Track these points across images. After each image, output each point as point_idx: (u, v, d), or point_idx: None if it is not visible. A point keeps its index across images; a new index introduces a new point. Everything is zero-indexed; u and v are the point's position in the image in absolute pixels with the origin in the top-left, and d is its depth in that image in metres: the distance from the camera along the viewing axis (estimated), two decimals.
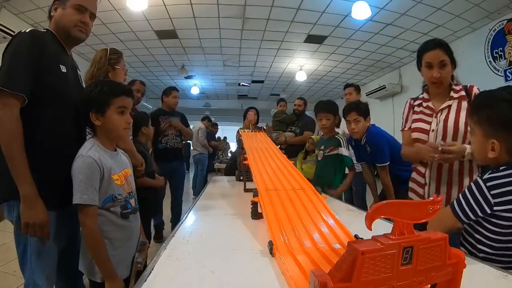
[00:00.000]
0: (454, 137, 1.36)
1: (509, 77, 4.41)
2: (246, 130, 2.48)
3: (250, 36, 5.46)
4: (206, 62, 7.03)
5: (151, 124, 3.10)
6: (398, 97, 7.18)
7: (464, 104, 1.38)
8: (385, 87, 6.98)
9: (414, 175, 1.55)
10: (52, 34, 1.20)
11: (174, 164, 3.19)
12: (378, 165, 2.10)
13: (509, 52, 4.41)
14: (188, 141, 3.64)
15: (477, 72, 4.71)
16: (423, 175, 1.47)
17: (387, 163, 2.08)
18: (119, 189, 1.12)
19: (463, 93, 1.40)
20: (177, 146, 3.21)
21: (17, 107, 1.02)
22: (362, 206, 2.72)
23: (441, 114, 1.42)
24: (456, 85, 1.43)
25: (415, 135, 1.49)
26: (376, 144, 2.10)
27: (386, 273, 0.43)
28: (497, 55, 4.58)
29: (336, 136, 2.31)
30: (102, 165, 1.07)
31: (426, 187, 1.45)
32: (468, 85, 1.43)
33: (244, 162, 1.71)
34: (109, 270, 1.04)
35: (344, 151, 2.20)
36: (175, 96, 3.26)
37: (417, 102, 1.52)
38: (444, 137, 1.38)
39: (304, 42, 5.70)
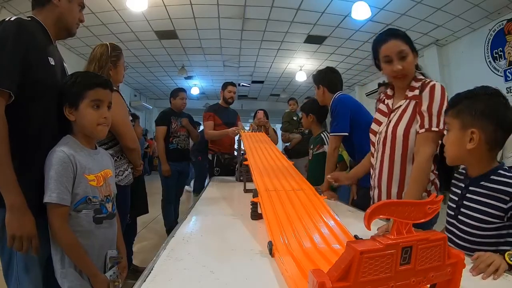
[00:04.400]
0: (393, 144, 1.26)
1: (509, 77, 4.41)
2: (247, 131, 2.49)
3: (250, 36, 5.46)
4: (206, 62, 7.03)
5: (163, 124, 3.16)
6: None
7: (411, 106, 1.23)
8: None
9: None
10: (37, 23, 1.09)
11: (182, 165, 3.28)
12: (330, 134, 1.94)
13: (509, 52, 4.41)
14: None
15: (477, 72, 4.71)
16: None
17: (339, 134, 1.84)
18: (94, 190, 1.03)
19: (417, 92, 1.22)
20: (186, 147, 3.29)
21: (2, 104, 0.92)
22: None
23: (394, 114, 1.28)
24: (417, 80, 1.25)
25: (370, 133, 1.40)
26: (334, 111, 1.90)
27: (385, 273, 0.43)
28: (497, 55, 4.58)
29: (320, 133, 2.37)
30: (76, 162, 0.99)
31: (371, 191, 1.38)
32: (429, 82, 1.21)
33: (244, 162, 1.71)
34: (90, 268, 0.99)
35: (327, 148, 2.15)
36: (182, 97, 3.30)
37: (382, 96, 1.41)
38: (384, 143, 1.29)
39: (304, 42, 5.70)
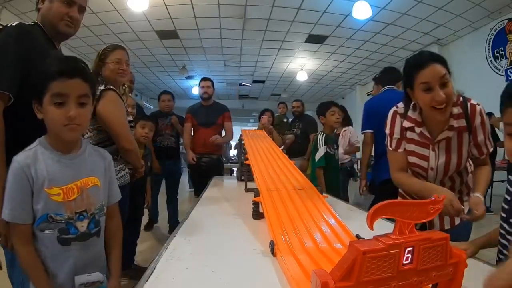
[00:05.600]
0: (451, 177, 1.21)
1: (510, 77, 4.41)
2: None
3: (251, 36, 5.46)
4: (207, 62, 7.04)
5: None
6: None
7: (466, 137, 1.14)
8: None
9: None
10: (40, 28, 1.13)
11: (169, 164, 3.26)
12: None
13: (510, 52, 4.40)
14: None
15: (478, 72, 4.71)
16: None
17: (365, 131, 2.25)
18: (58, 207, 0.85)
19: (463, 122, 1.12)
20: (171, 145, 3.27)
21: (0, 106, 0.92)
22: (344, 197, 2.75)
23: (438, 147, 1.17)
24: (454, 104, 1.12)
25: (413, 167, 1.25)
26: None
27: (387, 273, 0.43)
28: (498, 54, 4.57)
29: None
30: (32, 174, 0.83)
31: None
32: (469, 104, 1.13)
33: (245, 162, 1.71)
34: None
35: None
36: (163, 100, 3.35)
37: (408, 125, 1.21)
38: (443, 176, 1.20)
39: (305, 42, 5.70)
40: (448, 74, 1.05)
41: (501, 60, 4.54)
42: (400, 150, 1.23)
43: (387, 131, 1.26)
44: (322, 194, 1.18)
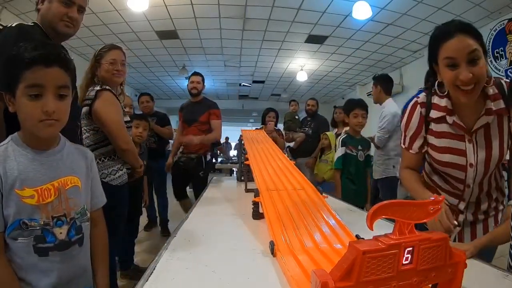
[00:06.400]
0: (489, 175, 1.02)
1: (510, 77, 4.41)
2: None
3: (251, 36, 5.46)
4: (207, 62, 7.04)
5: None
6: (399, 97, 7.16)
7: (506, 123, 0.95)
8: None
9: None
10: (39, 28, 1.14)
11: (150, 164, 3.23)
12: None
13: (510, 52, 4.40)
14: (170, 140, 3.69)
15: None
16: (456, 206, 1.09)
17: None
18: (32, 211, 0.75)
19: (501, 103, 0.93)
20: (150, 146, 3.21)
21: (0, 107, 0.91)
22: None
23: (475, 137, 0.98)
24: (488, 82, 0.94)
25: (447, 168, 1.05)
26: None
27: (387, 273, 0.43)
28: (498, 54, 4.57)
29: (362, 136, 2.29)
30: (0, 173, 0.73)
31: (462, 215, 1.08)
32: (503, 82, 0.96)
33: (245, 162, 1.71)
34: None
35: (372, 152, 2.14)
36: (142, 101, 3.42)
37: (435, 115, 1.01)
38: (483, 175, 0.99)
39: (305, 42, 5.70)
40: (480, 50, 0.87)
41: (501, 61, 4.54)
42: (412, 151, 1.08)
43: (403, 125, 1.11)
44: (322, 194, 1.18)
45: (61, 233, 0.78)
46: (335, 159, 2.29)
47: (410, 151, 1.09)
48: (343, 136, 2.31)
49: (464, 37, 0.86)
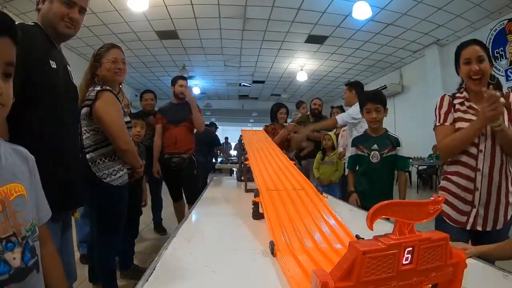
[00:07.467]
0: (501, 156, 1.31)
1: (510, 77, 4.41)
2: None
3: (251, 36, 5.47)
4: (207, 62, 7.05)
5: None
6: (399, 97, 7.18)
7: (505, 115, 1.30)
8: (386, 87, 6.98)
9: (455, 178, 1.36)
10: (40, 28, 1.13)
11: (148, 163, 3.22)
12: None
13: (510, 52, 4.40)
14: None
15: None
16: (471, 179, 1.32)
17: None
18: None
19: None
20: (151, 145, 3.16)
21: None
22: None
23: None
24: (496, 89, 1.33)
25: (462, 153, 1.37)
26: None
27: (387, 273, 0.43)
28: (498, 55, 4.57)
29: (389, 133, 1.92)
30: None
31: (477, 193, 1.31)
32: (505, 92, 1.35)
33: (245, 162, 1.71)
34: None
35: (403, 151, 1.86)
36: (146, 99, 3.39)
37: (457, 100, 1.40)
38: (493, 141, 1.30)
39: (305, 42, 5.71)
40: (485, 55, 1.32)
41: (501, 61, 4.54)
42: (447, 123, 1.39)
43: (437, 108, 1.43)
44: (322, 194, 1.18)
45: (14, 258, 0.58)
46: (346, 159, 2.26)
47: (445, 123, 1.39)
48: (357, 135, 2.11)
49: (475, 46, 1.34)
